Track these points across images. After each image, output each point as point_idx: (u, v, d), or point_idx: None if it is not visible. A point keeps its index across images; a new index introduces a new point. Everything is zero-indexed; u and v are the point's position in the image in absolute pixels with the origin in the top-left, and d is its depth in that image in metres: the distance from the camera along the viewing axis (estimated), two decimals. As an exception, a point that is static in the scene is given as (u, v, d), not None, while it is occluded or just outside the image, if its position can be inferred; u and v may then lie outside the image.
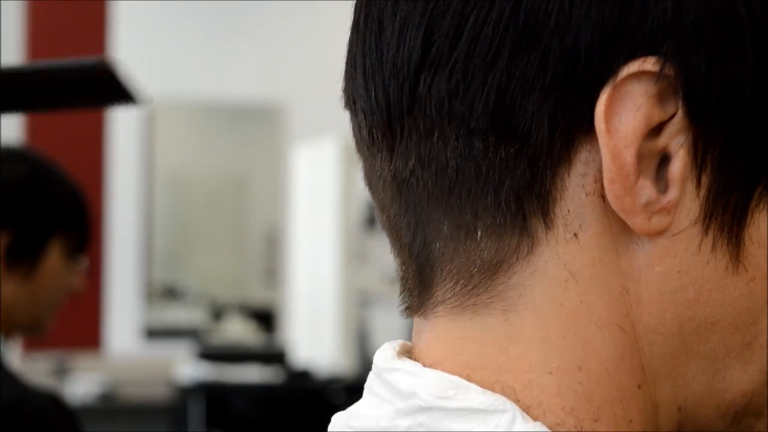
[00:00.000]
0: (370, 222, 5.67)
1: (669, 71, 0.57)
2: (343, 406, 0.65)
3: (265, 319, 7.52)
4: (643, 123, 0.57)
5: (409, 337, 0.66)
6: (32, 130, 3.78)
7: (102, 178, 3.75)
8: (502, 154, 0.59)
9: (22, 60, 3.88)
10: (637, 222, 0.58)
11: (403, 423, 0.59)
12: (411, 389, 0.60)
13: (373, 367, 0.63)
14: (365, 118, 0.63)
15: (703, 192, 0.59)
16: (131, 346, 7.05)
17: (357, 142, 0.65)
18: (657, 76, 0.57)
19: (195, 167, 7.12)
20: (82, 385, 6.01)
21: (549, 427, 0.59)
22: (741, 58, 0.58)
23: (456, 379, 0.60)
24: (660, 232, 0.59)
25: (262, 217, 7.31)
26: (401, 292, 0.65)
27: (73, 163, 2.69)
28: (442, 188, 0.60)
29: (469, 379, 0.60)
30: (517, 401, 0.59)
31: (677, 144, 0.58)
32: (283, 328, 7.08)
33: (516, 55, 0.58)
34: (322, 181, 5.98)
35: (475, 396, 0.59)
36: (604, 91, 0.57)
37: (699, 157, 0.58)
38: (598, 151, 0.58)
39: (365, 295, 5.94)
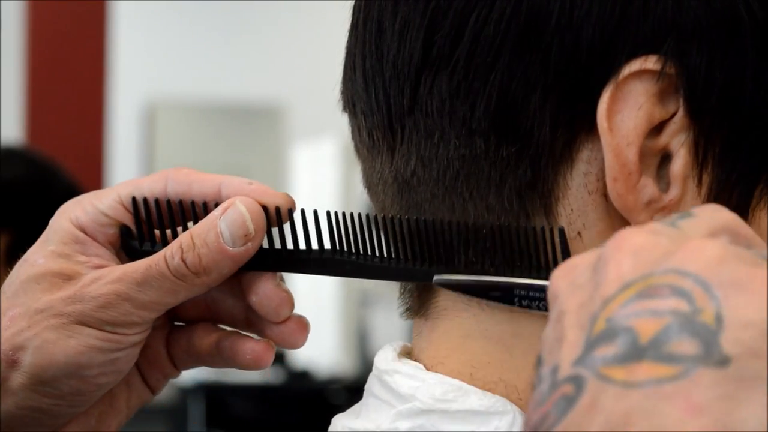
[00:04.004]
0: (370, 222, 5.66)
1: (670, 70, 0.57)
2: (343, 406, 0.65)
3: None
4: (645, 121, 0.57)
5: (410, 338, 0.65)
6: (32, 130, 3.78)
7: (102, 178, 3.75)
8: (504, 154, 0.59)
9: (23, 60, 3.87)
10: (639, 220, 0.58)
11: (404, 425, 0.59)
12: (411, 392, 0.60)
13: (373, 368, 0.63)
14: (365, 119, 0.63)
15: (704, 190, 0.59)
16: (131, 346, 7.03)
17: (356, 145, 0.65)
18: (658, 75, 0.57)
19: (195, 167, 7.10)
20: (82, 385, 5.99)
21: (550, 427, 0.58)
22: (741, 57, 0.58)
23: (457, 382, 0.60)
24: (662, 231, 0.58)
25: (262, 217, 7.30)
26: (401, 294, 0.65)
27: (73, 163, 2.69)
28: (444, 188, 0.60)
29: (471, 377, 0.60)
30: (518, 400, 0.59)
31: (678, 142, 0.58)
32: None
33: (517, 55, 0.58)
34: (322, 181, 5.98)
35: (476, 398, 0.59)
36: (606, 89, 0.57)
37: (700, 156, 0.58)
38: (600, 149, 0.58)
39: (365, 295, 5.93)
